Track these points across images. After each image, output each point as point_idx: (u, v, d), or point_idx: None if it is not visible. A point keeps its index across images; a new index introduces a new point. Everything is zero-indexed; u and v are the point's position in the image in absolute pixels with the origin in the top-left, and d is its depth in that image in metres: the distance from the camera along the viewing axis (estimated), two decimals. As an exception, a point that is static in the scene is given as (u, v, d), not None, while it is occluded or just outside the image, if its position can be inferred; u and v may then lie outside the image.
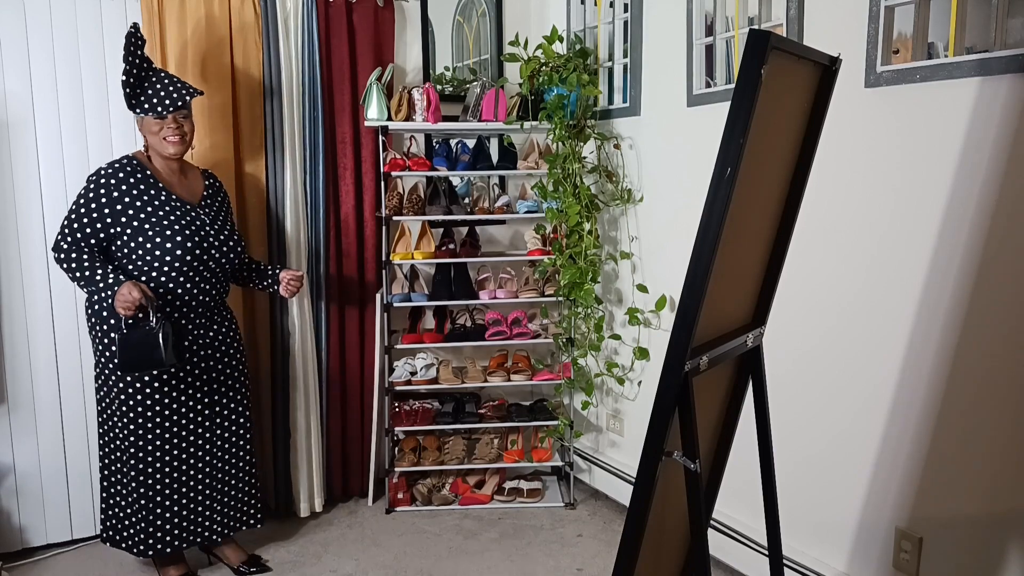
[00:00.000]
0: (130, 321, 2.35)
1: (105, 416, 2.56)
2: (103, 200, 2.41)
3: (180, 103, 2.45)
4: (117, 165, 2.46)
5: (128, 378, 2.45)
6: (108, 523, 2.63)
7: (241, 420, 2.70)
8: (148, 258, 2.41)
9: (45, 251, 2.80)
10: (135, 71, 2.43)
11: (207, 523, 2.64)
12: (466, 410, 3.34)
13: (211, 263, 2.52)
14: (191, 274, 2.48)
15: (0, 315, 2.77)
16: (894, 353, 2.11)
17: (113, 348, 2.43)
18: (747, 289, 1.70)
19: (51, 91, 2.76)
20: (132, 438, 2.49)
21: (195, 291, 2.51)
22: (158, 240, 2.41)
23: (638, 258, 3.10)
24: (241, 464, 2.71)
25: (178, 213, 2.47)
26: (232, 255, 2.60)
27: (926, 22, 2.03)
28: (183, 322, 2.51)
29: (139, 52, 2.45)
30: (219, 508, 2.66)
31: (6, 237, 2.75)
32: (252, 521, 2.78)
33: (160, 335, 2.32)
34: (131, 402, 2.47)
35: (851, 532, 2.27)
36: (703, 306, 1.36)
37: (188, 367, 2.54)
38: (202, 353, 2.58)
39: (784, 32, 2.34)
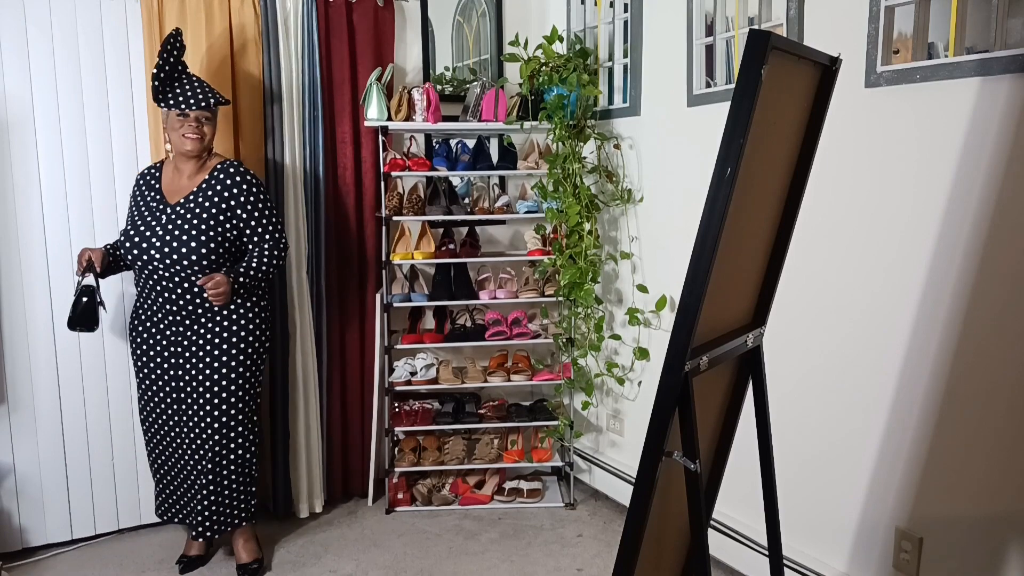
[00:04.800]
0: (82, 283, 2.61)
1: None
2: (128, 203, 2.71)
3: (204, 103, 2.56)
4: (145, 170, 2.71)
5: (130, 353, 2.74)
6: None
7: (225, 421, 2.61)
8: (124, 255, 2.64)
9: (45, 251, 2.80)
10: (167, 68, 2.54)
11: (188, 510, 2.75)
12: (466, 410, 3.34)
13: (157, 264, 2.54)
14: (147, 271, 2.59)
15: (0, 315, 2.77)
16: (894, 353, 2.11)
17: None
18: (747, 289, 1.70)
19: (51, 91, 2.76)
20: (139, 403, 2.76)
21: (159, 288, 2.58)
22: (121, 237, 2.63)
23: (638, 258, 3.10)
24: (218, 463, 2.62)
25: (145, 212, 2.61)
26: (177, 256, 2.50)
27: (926, 22, 2.03)
28: (148, 299, 2.63)
29: (175, 53, 2.56)
30: (192, 500, 2.71)
31: (6, 237, 2.75)
32: (236, 521, 2.72)
33: (74, 296, 2.63)
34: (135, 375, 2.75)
35: (851, 532, 2.27)
36: (703, 306, 1.36)
37: (158, 358, 2.65)
38: (171, 350, 2.63)
39: (784, 32, 2.34)
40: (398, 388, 3.21)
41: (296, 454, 3.13)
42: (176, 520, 2.82)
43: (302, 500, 3.15)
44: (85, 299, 2.62)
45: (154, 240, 2.54)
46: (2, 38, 2.67)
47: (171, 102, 2.55)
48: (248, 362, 2.65)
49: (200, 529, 2.66)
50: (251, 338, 2.64)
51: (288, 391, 3.10)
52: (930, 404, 2.03)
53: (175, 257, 2.53)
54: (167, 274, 2.55)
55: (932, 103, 1.96)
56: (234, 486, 2.68)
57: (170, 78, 2.56)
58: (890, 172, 2.08)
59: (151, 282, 2.59)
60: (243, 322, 2.63)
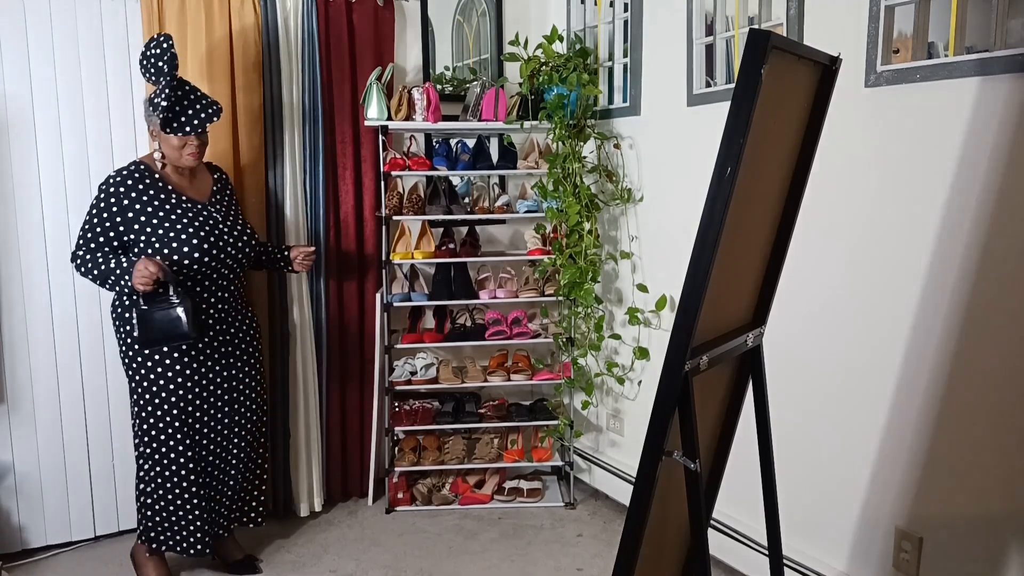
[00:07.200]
0: (152, 296, 2.35)
1: (135, 416, 2.55)
2: (114, 207, 2.42)
3: (208, 124, 2.46)
4: (125, 172, 2.46)
5: (152, 375, 2.46)
6: (152, 526, 2.59)
7: (256, 417, 2.73)
8: (165, 261, 2.39)
9: (45, 251, 2.80)
10: (170, 91, 2.37)
11: (217, 517, 2.67)
12: (466, 410, 3.34)
13: (227, 260, 2.54)
14: (208, 272, 2.50)
15: (0, 315, 2.77)
16: (894, 352, 2.11)
17: (132, 328, 2.43)
18: (747, 289, 1.70)
19: (51, 91, 2.75)
20: (160, 434, 2.50)
21: (213, 288, 2.54)
22: (173, 243, 2.42)
23: (638, 258, 3.10)
24: (254, 460, 2.77)
25: (191, 214, 2.48)
26: (248, 249, 2.63)
27: (926, 22, 2.04)
28: (203, 305, 2.52)
29: (175, 72, 2.39)
30: (228, 502, 2.70)
31: (6, 237, 2.75)
32: (259, 518, 2.84)
33: (181, 308, 2.36)
34: (157, 399, 2.48)
35: (851, 532, 2.27)
36: (703, 306, 1.36)
37: (209, 362, 2.55)
38: (223, 351, 2.59)
39: (784, 32, 2.34)
40: (398, 388, 3.21)
41: (296, 453, 3.13)
42: (210, 539, 2.62)
43: (302, 499, 3.15)
44: (192, 309, 2.38)
45: (227, 238, 2.54)
46: (2, 38, 2.67)
47: (175, 126, 2.41)
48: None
49: (231, 524, 2.76)
50: (256, 323, 2.80)
51: (288, 391, 3.10)
52: (930, 404, 2.03)
53: (247, 251, 2.62)
54: (230, 272, 2.58)
55: (932, 103, 1.96)
56: (264, 480, 2.86)
57: (177, 100, 2.41)
58: (890, 172, 2.08)
59: (207, 283, 2.51)
60: (250, 312, 2.78)
